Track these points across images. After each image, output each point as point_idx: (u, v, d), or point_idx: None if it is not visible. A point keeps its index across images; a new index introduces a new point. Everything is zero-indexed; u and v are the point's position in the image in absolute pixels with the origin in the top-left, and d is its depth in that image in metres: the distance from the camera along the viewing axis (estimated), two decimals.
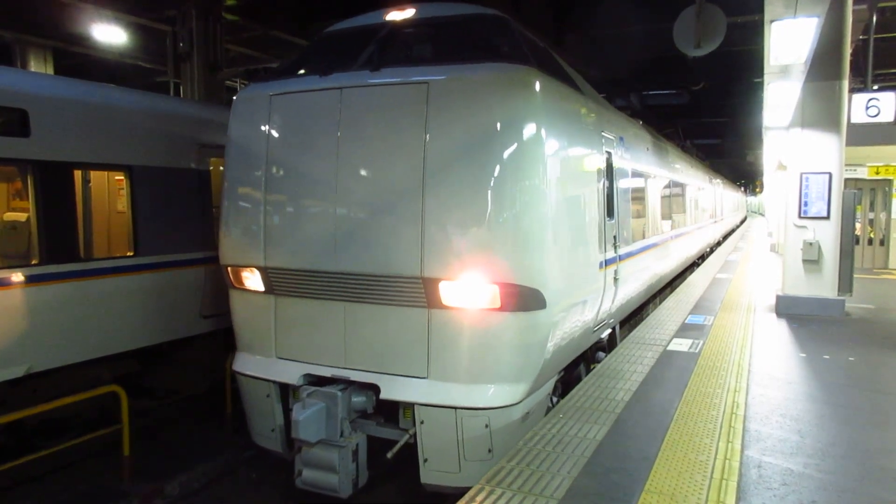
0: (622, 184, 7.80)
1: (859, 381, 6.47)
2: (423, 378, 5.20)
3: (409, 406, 5.27)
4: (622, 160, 7.88)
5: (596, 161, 6.52)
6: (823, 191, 9.77)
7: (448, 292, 5.03)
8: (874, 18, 11.34)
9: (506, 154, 4.92)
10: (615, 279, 7.07)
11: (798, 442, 4.82)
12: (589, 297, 6.19)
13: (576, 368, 6.92)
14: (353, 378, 5.45)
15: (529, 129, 5.02)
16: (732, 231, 37.10)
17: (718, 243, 26.50)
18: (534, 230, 5.01)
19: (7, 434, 6.59)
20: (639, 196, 9.23)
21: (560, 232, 5.39)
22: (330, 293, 5.50)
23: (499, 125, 4.95)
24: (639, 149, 9.38)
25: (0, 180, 7.99)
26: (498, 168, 4.91)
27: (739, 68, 15.66)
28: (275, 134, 5.69)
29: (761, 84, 9.99)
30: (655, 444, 4.68)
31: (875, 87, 13.50)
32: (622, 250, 7.46)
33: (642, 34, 13.75)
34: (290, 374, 5.73)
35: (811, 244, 9.87)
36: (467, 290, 5.01)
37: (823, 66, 9.38)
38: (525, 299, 4.95)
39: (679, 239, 13.48)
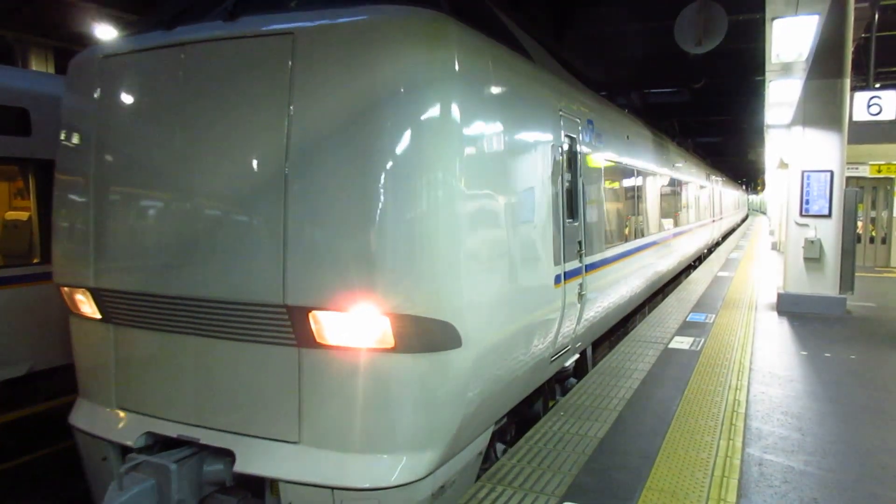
0: (592, 178, 6.55)
1: (860, 380, 6.47)
2: (294, 443, 3.80)
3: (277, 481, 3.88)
4: (592, 149, 6.58)
5: (550, 148, 5.15)
6: (825, 189, 9.77)
7: (322, 326, 3.66)
8: (876, 16, 11.33)
9: (402, 134, 3.57)
10: (580, 295, 5.84)
11: (799, 440, 4.82)
12: (540, 322, 4.92)
13: (531, 406, 5.75)
14: (204, 441, 4.03)
15: (438, 100, 3.66)
16: (733, 230, 37.04)
17: (718, 243, 26.00)
18: (442, 240, 3.64)
19: None
20: (616, 193, 8.03)
21: (486, 242, 4.07)
22: (176, 324, 4.09)
23: (392, 93, 3.58)
24: (615, 136, 7.96)
25: None
26: (391, 154, 3.56)
27: (741, 66, 15.64)
28: (105, 110, 4.30)
29: (763, 82, 9.97)
30: (656, 441, 4.69)
31: (877, 86, 13.50)
32: (591, 259, 6.30)
33: (643, 32, 13.74)
34: (129, 431, 4.27)
35: (813, 242, 9.87)
36: (348, 324, 3.64)
37: (825, 63, 9.37)
38: (429, 336, 3.63)
39: (670, 242, 12.25)
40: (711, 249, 23.21)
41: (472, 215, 3.87)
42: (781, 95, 10.04)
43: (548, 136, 5.17)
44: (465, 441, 4.14)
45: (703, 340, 7.98)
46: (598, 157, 6.92)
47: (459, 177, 3.74)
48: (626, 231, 8.53)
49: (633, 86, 18.75)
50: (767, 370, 6.72)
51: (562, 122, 5.52)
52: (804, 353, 7.55)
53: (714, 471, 4.20)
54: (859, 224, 16.19)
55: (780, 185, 23.66)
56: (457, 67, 3.77)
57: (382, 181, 3.55)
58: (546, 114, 5.23)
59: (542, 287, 4.93)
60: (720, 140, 33.18)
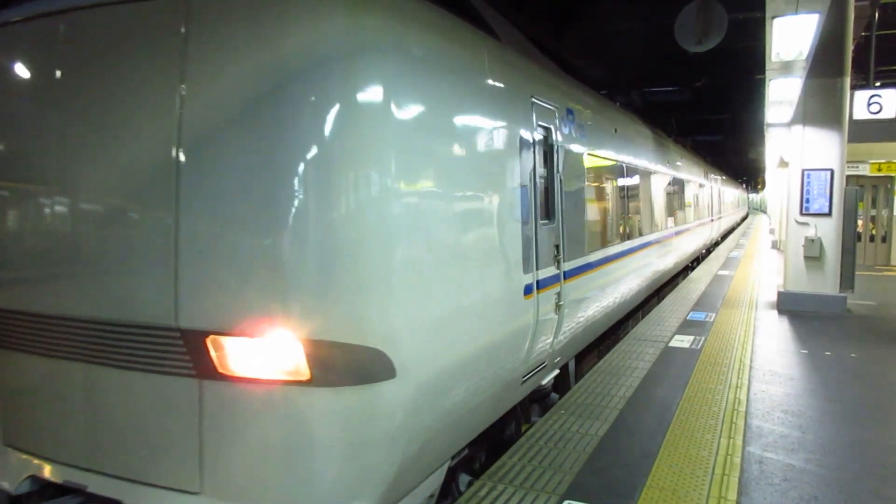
0: (572, 174, 5.93)
1: (861, 378, 6.48)
2: (194, 494, 3.18)
3: None
4: (572, 142, 5.95)
5: (518, 140, 4.54)
6: (825, 187, 9.78)
7: (225, 354, 3.06)
8: (876, 15, 11.33)
9: (320, 118, 2.94)
10: (558, 305, 5.27)
11: (799, 438, 4.83)
12: (505, 340, 4.30)
13: (505, 429, 5.15)
14: (92, 489, 3.39)
15: (365, 77, 3.04)
16: (733, 229, 37.03)
17: (717, 243, 25.66)
18: (370, 248, 3.04)
19: None
20: (603, 192, 7.39)
21: (430, 249, 3.43)
22: (60, 349, 3.46)
23: (308, 67, 2.94)
24: (601, 129, 7.34)
25: None
26: (306, 142, 2.94)
27: (741, 65, 15.63)
28: None
29: (763, 81, 9.97)
30: (657, 439, 4.70)
31: (877, 84, 13.50)
32: (572, 264, 5.71)
33: (643, 31, 13.74)
34: (12, 474, 3.65)
35: (813, 241, 9.88)
36: (254, 352, 3.04)
37: (825, 62, 9.37)
38: (355, 366, 3.03)
39: (664, 243, 11.53)
40: (710, 249, 22.85)
41: (410, 217, 3.26)
42: (782, 94, 10.04)
43: (516, 126, 4.53)
44: (410, 485, 3.52)
45: (703, 339, 7.99)
46: (581, 151, 6.27)
47: (394, 171, 3.12)
48: (615, 233, 7.86)
49: (633, 85, 18.75)
50: (768, 368, 6.73)
51: (535, 111, 4.91)
52: (804, 351, 7.56)
53: (715, 469, 4.21)
54: (859, 222, 16.19)
55: (780, 184, 23.66)
56: (391, 38, 3.19)
57: (295, 176, 2.91)
58: (514, 100, 4.59)
59: (507, 299, 4.29)
60: (720, 139, 33.16)
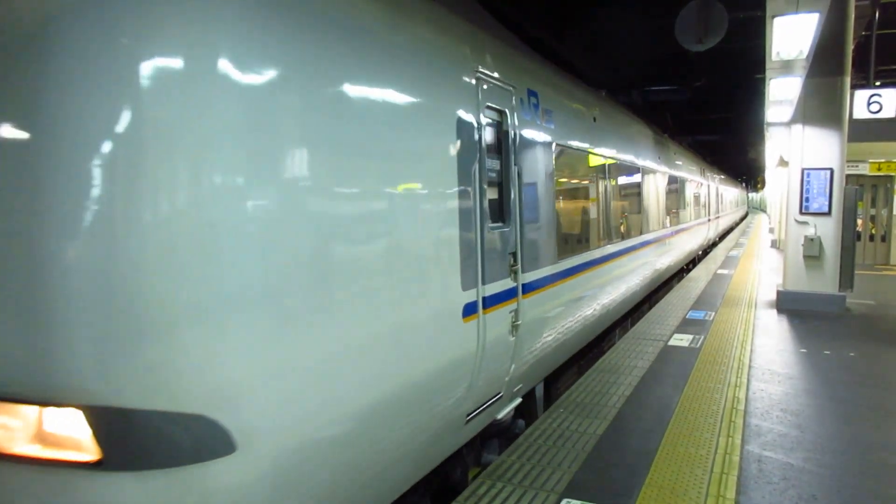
0: (536, 169, 5.13)
1: (860, 377, 6.48)
2: None
3: None
4: (537, 129, 5.17)
5: (454, 122, 3.72)
6: (825, 187, 9.78)
7: None
8: (877, 14, 11.32)
9: (111, 80, 2.06)
10: (514, 326, 4.54)
11: (798, 437, 4.84)
12: (435, 376, 3.52)
13: (448, 478, 4.47)
14: None
15: (190, 20, 2.19)
16: (732, 228, 37.03)
17: (714, 244, 25.21)
18: (191, 271, 2.19)
19: None
20: (576, 190, 6.63)
21: (302, 267, 2.58)
22: None
23: (85, 12, 2.06)
24: (575, 117, 6.50)
25: None
26: (84, 118, 2.05)
27: (741, 64, 15.62)
28: None
29: (763, 80, 9.97)
30: (656, 438, 4.70)
31: (877, 83, 13.48)
32: (535, 275, 5.00)
33: (644, 30, 13.74)
34: None
35: (812, 240, 9.89)
36: (17, 421, 2.22)
37: (825, 61, 9.37)
38: (167, 441, 2.19)
39: (653, 246, 10.73)
40: (707, 251, 22.34)
41: (263, 222, 2.37)
42: (782, 93, 10.03)
43: (450, 105, 3.70)
44: None
45: (702, 338, 8.00)
46: (548, 142, 5.47)
47: (236, 157, 2.28)
48: (593, 237, 7.09)
49: (633, 84, 18.74)
50: (767, 367, 6.73)
51: (481, 89, 4.08)
52: (803, 350, 7.56)
53: (713, 467, 4.22)
54: (859, 222, 16.18)
55: (779, 183, 23.64)
56: None
57: (71, 166, 2.03)
58: (447, 72, 3.74)
59: (434, 325, 3.50)
60: (720, 138, 33.17)
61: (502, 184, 4.55)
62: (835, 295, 10.00)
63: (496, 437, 5.20)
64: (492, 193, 4.34)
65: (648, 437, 4.74)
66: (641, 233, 9.80)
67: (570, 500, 3.77)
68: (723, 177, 30.59)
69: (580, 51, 13.28)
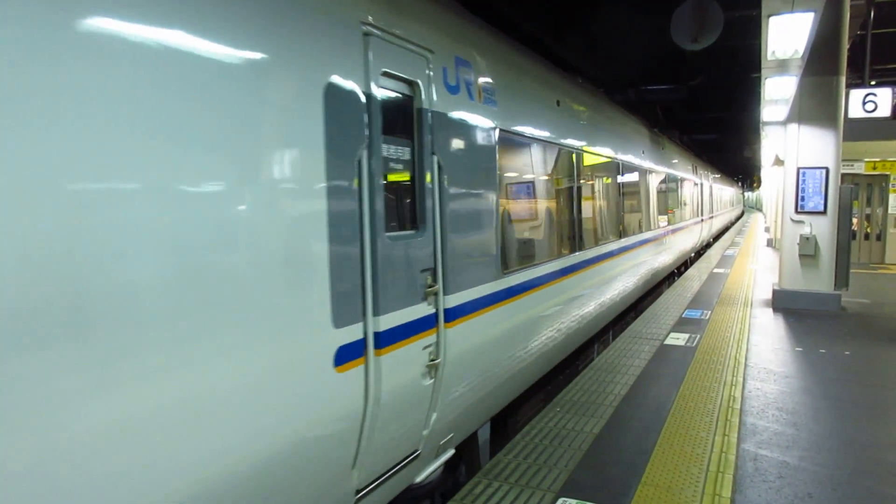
0: (471, 160, 4.15)
1: (855, 375, 6.50)
2: None
3: None
4: (468, 111, 4.11)
5: (322, 95, 2.79)
6: (820, 186, 9.81)
7: None
8: (872, 13, 11.35)
9: None
10: (432, 366, 3.62)
11: (794, 435, 4.85)
12: (286, 454, 2.64)
13: None
14: None
15: None
16: (727, 228, 37.11)
17: (709, 244, 24.57)
18: None
19: None
20: (532, 186, 5.66)
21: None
22: None
23: None
24: (530, 97, 5.42)
25: None
26: None
27: (737, 63, 15.66)
28: None
29: (759, 79, 9.99)
30: (652, 437, 4.71)
31: (872, 83, 13.53)
32: (466, 296, 4.01)
33: (640, 30, 13.75)
34: None
35: (808, 239, 9.92)
36: None
37: (821, 61, 9.40)
38: None
39: (632, 252, 9.49)
40: (700, 252, 21.69)
41: None
42: (777, 92, 10.05)
43: (310, 70, 2.72)
44: None
45: (698, 336, 8.01)
46: (489, 127, 4.43)
47: None
48: (554, 244, 6.09)
49: (630, 83, 18.77)
50: (762, 366, 6.75)
51: (372, 50, 3.09)
52: (799, 349, 7.58)
53: (709, 466, 4.23)
54: (854, 221, 16.25)
55: (775, 182, 23.69)
56: None
57: None
58: (307, 21, 2.75)
59: (274, 384, 2.55)
60: (717, 137, 33.24)
61: (415, 179, 3.56)
62: (830, 294, 10.03)
63: (426, 500, 4.22)
64: (395, 191, 3.41)
65: (645, 435, 4.75)
66: (621, 237, 8.83)
67: (566, 498, 3.77)
68: (718, 175, 30.51)
69: (578, 50, 13.29)
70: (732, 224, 42.62)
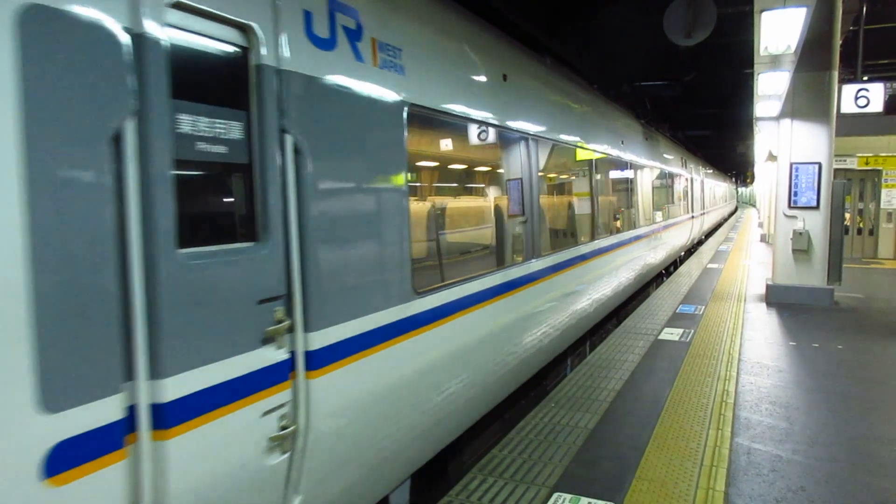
0: (355, 143, 3.14)
1: (848, 370, 6.54)
2: None
3: None
4: (351, 76, 3.12)
5: (23, 35, 1.75)
6: (813, 181, 9.86)
7: None
8: (864, 9, 11.39)
9: None
10: (282, 436, 2.65)
11: (787, 429, 4.87)
12: None
13: None
14: None
15: None
16: (720, 224, 37.21)
17: (701, 242, 23.87)
18: None
19: None
20: (463, 179, 4.85)
21: None
22: None
23: None
24: (454, 66, 4.24)
25: None
26: None
27: (730, 59, 15.70)
28: None
29: (752, 75, 10.02)
30: (646, 432, 4.73)
31: (865, 78, 13.57)
32: (345, 329, 3.00)
33: (633, 25, 13.77)
34: None
35: (801, 234, 9.96)
36: None
37: (813, 56, 9.43)
38: None
39: (607, 256, 8.26)
40: (692, 250, 20.82)
41: None
42: (770, 88, 10.09)
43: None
44: None
45: (692, 332, 8.04)
46: (390, 100, 3.40)
47: None
48: (497, 251, 5.15)
49: (624, 80, 18.78)
50: (756, 360, 6.78)
51: None
52: (792, 343, 7.62)
53: (703, 460, 4.25)
54: (847, 216, 16.33)
55: (768, 178, 23.76)
56: None
57: None
58: None
59: None
60: (711, 133, 33.31)
61: (253, 167, 2.55)
62: (823, 288, 10.08)
63: None
64: (210, 185, 2.53)
65: (639, 430, 4.77)
66: (593, 238, 7.81)
67: (561, 493, 3.78)
68: (710, 170, 30.43)
69: (572, 46, 13.30)
70: (726, 220, 42.76)
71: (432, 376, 3.84)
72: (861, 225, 17.36)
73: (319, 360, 2.81)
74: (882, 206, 16.76)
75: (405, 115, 3.57)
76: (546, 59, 6.89)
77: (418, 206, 4.01)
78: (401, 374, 3.48)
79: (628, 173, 10.35)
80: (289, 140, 2.68)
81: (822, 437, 4.72)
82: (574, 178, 7.56)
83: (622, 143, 9.71)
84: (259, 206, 2.58)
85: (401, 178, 3.53)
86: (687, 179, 18.31)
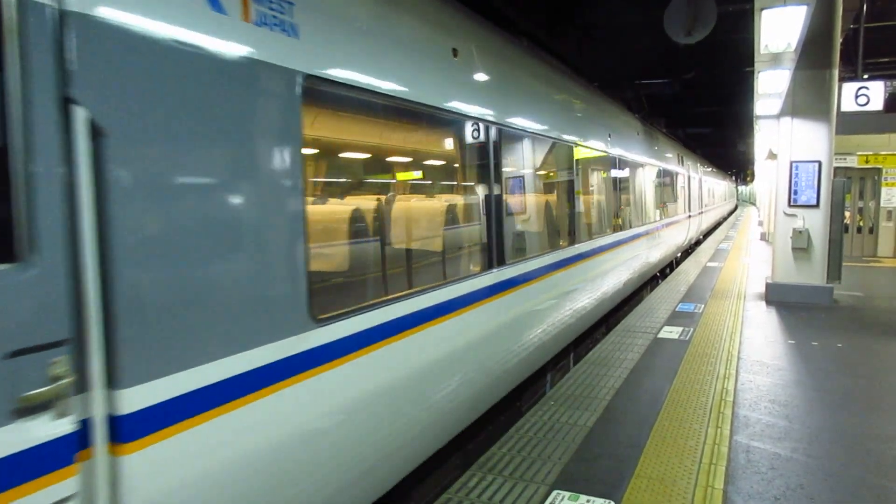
0: (195, 118, 2.22)
1: (847, 368, 6.54)
2: None
3: None
4: (192, 26, 2.19)
5: None
6: (813, 179, 9.85)
7: None
8: (865, 7, 11.37)
9: None
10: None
11: (786, 427, 4.87)
12: None
13: None
14: None
15: None
16: (720, 223, 37.19)
17: (699, 241, 23.50)
18: None
19: None
20: (384, 173, 4.19)
21: None
22: None
23: None
24: (379, 30, 3.39)
25: None
26: None
27: (730, 57, 15.68)
28: None
29: (752, 73, 10.01)
30: (646, 430, 4.73)
31: (865, 76, 13.56)
32: (189, 379, 2.16)
33: (634, 23, 13.75)
34: None
35: (801, 232, 9.96)
36: None
37: (814, 54, 9.42)
38: None
39: (586, 263, 7.41)
40: (690, 250, 20.60)
41: None
42: (770, 86, 10.08)
43: None
44: None
45: (692, 330, 8.04)
46: (276, 68, 2.62)
47: None
48: (442, 259, 4.46)
49: (624, 77, 18.76)
50: (755, 359, 6.78)
51: None
52: (792, 341, 7.62)
53: (702, 458, 4.25)
54: (847, 214, 16.33)
55: (768, 176, 23.74)
56: None
57: None
58: None
59: None
60: (711, 131, 33.30)
61: (9, 155, 1.75)
62: (823, 287, 10.08)
63: None
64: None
65: (638, 428, 4.77)
66: (573, 242, 7.00)
67: (559, 491, 3.78)
68: (709, 168, 30.30)
69: (572, 44, 13.28)
70: (725, 219, 42.75)
71: (334, 434, 2.84)
72: (861, 223, 17.35)
73: (136, 427, 2.00)
74: (882, 205, 16.75)
75: (298, 89, 2.72)
76: (522, 41, 6.22)
77: (328, 209, 3.33)
78: (280, 434, 2.53)
79: (616, 170, 9.53)
80: (80, 115, 1.85)
81: (821, 436, 4.72)
82: (549, 174, 6.60)
83: (609, 136, 8.80)
84: (20, 210, 1.73)
85: (289, 173, 2.67)
86: (684, 177, 17.88)
